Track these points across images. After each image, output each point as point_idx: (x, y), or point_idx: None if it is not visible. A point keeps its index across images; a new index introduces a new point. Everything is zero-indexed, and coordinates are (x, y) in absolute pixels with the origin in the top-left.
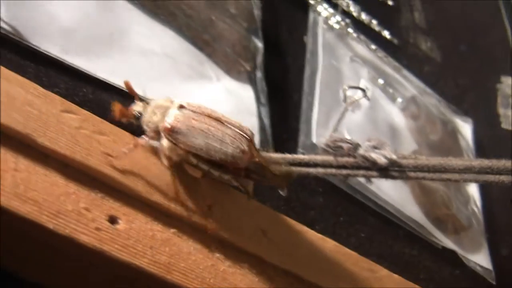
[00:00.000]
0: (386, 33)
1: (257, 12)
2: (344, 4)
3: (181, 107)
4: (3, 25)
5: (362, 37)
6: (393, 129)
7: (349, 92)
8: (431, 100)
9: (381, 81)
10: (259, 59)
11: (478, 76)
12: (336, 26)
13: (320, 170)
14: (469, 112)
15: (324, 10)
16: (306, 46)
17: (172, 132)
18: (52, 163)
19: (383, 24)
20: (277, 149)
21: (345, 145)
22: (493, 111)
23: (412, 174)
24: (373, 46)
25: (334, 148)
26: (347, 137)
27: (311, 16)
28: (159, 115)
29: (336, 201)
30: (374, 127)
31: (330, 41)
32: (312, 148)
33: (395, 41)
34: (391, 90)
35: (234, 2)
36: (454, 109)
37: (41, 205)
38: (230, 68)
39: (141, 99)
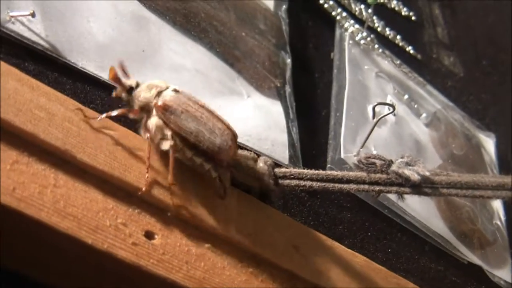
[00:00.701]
0: (409, 49)
1: (285, 28)
2: (369, 19)
3: (176, 91)
4: (43, 43)
5: (387, 52)
6: (418, 144)
7: (378, 108)
8: (455, 115)
9: (406, 96)
10: (288, 74)
11: (500, 91)
12: (362, 42)
13: (353, 186)
14: (492, 127)
15: (350, 26)
16: (333, 61)
17: (165, 111)
18: (90, 179)
19: (407, 39)
20: (306, 165)
21: (378, 162)
22: None
23: (444, 190)
24: (398, 61)
25: (367, 164)
26: (374, 152)
27: (338, 32)
28: (154, 92)
29: (364, 216)
30: (400, 142)
31: (356, 57)
32: (341, 163)
33: (419, 56)
34: (415, 105)
35: (263, 18)
36: (477, 124)
37: (80, 221)
38: (260, 84)
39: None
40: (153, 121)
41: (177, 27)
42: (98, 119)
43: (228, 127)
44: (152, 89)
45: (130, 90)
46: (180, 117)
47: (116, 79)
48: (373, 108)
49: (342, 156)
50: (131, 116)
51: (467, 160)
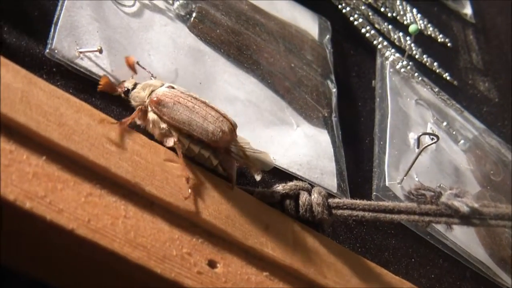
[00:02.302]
0: (446, 75)
1: (329, 57)
2: (409, 48)
3: (171, 87)
4: (109, 77)
5: (425, 80)
6: (457, 171)
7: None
8: (491, 141)
9: (444, 123)
10: (334, 103)
11: None
12: (402, 70)
13: (404, 216)
14: None
15: (391, 54)
16: (375, 90)
17: (158, 105)
18: (157, 210)
19: (444, 66)
20: (352, 192)
21: (427, 193)
22: None
23: (493, 222)
24: (436, 89)
25: (417, 196)
26: (416, 179)
27: (379, 60)
28: (147, 91)
29: (408, 243)
30: (440, 169)
31: (397, 85)
32: (385, 190)
33: (455, 82)
34: (454, 132)
35: (310, 48)
36: None
37: (149, 251)
38: (309, 114)
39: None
40: (150, 117)
41: (231, 60)
42: (117, 124)
43: (224, 116)
44: (146, 88)
45: (126, 92)
46: (172, 109)
47: (107, 88)
48: (418, 138)
49: (387, 183)
50: (136, 118)
51: (505, 186)
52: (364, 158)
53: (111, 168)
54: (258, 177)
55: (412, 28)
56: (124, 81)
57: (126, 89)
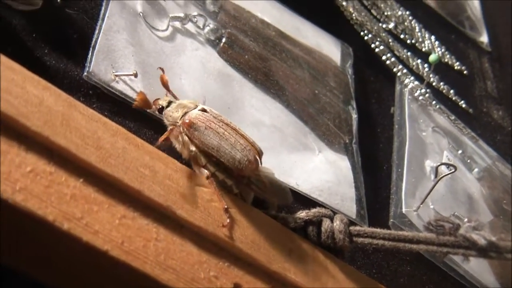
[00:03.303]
0: (462, 103)
1: (351, 83)
2: (427, 76)
3: (204, 110)
4: None
5: (442, 107)
6: (471, 199)
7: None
8: (505, 170)
9: (460, 151)
10: (354, 130)
11: None
12: (420, 98)
13: (423, 246)
14: None
15: (410, 82)
16: (394, 116)
17: (190, 128)
18: (187, 234)
19: (460, 93)
20: (370, 218)
21: (446, 225)
22: None
23: (509, 256)
24: (453, 117)
25: (436, 227)
26: (431, 206)
27: (398, 87)
28: (180, 112)
29: (422, 270)
30: (454, 197)
31: (415, 112)
32: (402, 217)
33: (470, 110)
34: (468, 160)
35: (333, 75)
36: None
37: (179, 273)
38: (331, 140)
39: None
40: (180, 137)
41: (258, 85)
42: (156, 145)
43: (252, 144)
44: (179, 109)
45: (160, 110)
46: (203, 133)
47: (143, 103)
48: (436, 168)
49: (404, 211)
50: (171, 136)
51: None
52: (382, 185)
53: (144, 191)
54: (272, 211)
55: (432, 57)
56: (158, 98)
57: (160, 106)
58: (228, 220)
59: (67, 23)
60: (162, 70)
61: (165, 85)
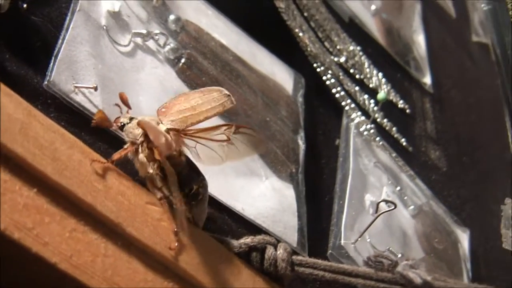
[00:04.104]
0: (403, 141)
1: (301, 113)
2: (373, 113)
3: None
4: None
5: (385, 144)
6: (405, 235)
7: (374, 198)
8: (438, 209)
9: (398, 188)
10: (301, 160)
11: (476, 187)
12: (365, 133)
13: (361, 281)
14: (468, 222)
15: (356, 117)
16: (339, 149)
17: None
18: (135, 251)
19: (401, 131)
20: (310, 248)
21: (385, 261)
22: (493, 226)
23: None
24: (394, 154)
25: (375, 262)
26: (368, 240)
27: (345, 121)
28: (141, 130)
29: None
30: (390, 233)
31: (359, 146)
32: (340, 249)
33: (410, 148)
34: (405, 198)
35: (285, 104)
36: (455, 219)
37: None
38: (278, 168)
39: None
40: (139, 156)
41: None
42: (105, 164)
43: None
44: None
45: (122, 127)
46: None
47: (102, 122)
48: (377, 205)
49: (342, 243)
50: (128, 153)
51: (446, 255)
52: (323, 215)
53: (96, 206)
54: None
55: (380, 95)
56: (119, 117)
57: (122, 124)
58: (176, 244)
59: (31, 30)
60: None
61: (124, 102)
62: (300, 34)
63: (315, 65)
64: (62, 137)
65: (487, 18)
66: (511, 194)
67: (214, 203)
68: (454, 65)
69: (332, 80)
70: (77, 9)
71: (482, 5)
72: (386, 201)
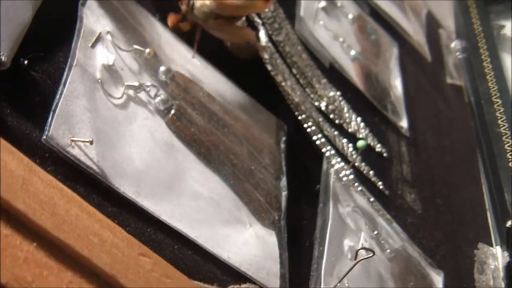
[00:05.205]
0: (380, 184)
1: (283, 160)
2: (349, 155)
3: None
4: (94, 167)
5: (363, 189)
6: (381, 279)
7: (352, 243)
8: (413, 252)
9: (375, 232)
10: (283, 206)
11: (450, 230)
12: (344, 179)
13: None
14: (442, 264)
15: (336, 163)
16: (319, 195)
17: None
18: None
19: (378, 175)
20: None
21: None
22: (467, 269)
23: None
24: (372, 199)
25: None
26: (346, 284)
27: (325, 167)
28: None
29: None
30: (367, 276)
31: (338, 192)
32: None
33: (387, 192)
34: (382, 241)
35: (268, 152)
36: (430, 262)
37: None
38: (262, 216)
39: None
40: None
41: (200, 158)
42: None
43: None
44: None
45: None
46: None
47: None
48: (356, 252)
49: None
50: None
51: None
52: (304, 260)
53: (92, 259)
54: None
55: (360, 143)
56: None
57: None
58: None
59: (31, 85)
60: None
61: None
62: (283, 83)
63: (296, 113)
64: (61, 192)
65: (461, 66)
66: (484, 237)
67: (201, 251)
68: (429, 107)
69: (313, 128)
70: (74, 64)
71: (457, 53)
72: (365, 249)
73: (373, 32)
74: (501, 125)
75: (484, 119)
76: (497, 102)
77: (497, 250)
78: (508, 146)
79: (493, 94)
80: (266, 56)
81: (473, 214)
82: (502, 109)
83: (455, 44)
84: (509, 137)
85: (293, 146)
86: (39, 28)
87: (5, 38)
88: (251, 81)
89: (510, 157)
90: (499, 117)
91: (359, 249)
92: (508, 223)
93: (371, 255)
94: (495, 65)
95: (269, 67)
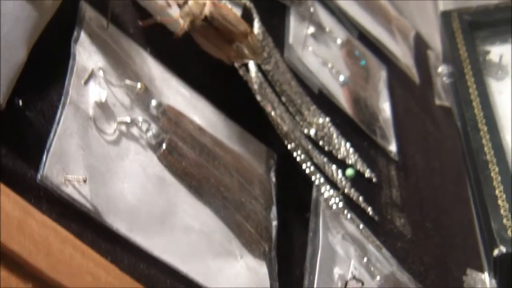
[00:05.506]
0: (369, 210)
1: (273, 190)
2: (338, 182)
3: None
4: (88, 205)
5: (352, 216)
6: None
7: (342, 272)
8: (403, 277)
9: (365, 259)
10: (274, 237)
11: (440, 253)
12: (334, 207)
13: None
14: None
15: (326, 191)
16: (309, 223)
17: None
18: None
19: (368, 200)
20: None
21: None
22: None
23: None
24: (361, 226)
25: None
26: None
27: (314, 195)
28: None
29: None
30: None
31: (328, 220)
32: None
33: (376, 217)
34: (372, 268)
35: (258, 183)
36: (420, 287)
37: None
38: (253, 247)
39: None
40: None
41: (191, 191)
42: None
43: None
44: None
45: None
46: None
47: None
48: (346, 282)
49: None
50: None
51: None
52: None
53: None
54: None
55: (349, 172)
56: None
57: None
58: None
59: (25, 125)
60: None
61: None
62: (272, 113)
63: (286, 142)
64: (55, 232)
65: (448, 90)
66: (474, 259)
67: (193, 285)
68: (418, 130)
69: (302, 156)
70: (67, 102)
71: (444, 78)
72: (355, 279)
73: (362, 57)
74: (487, 152)
75: (471, 146)
76: (483, 129)
77: (486, 276)
78: (494, 174)
79: (479, 121)
80: (255, 86)
81: (463, 236)
82: (488, 136)
83: (442, 69)
84: (495, 165)
85: (283, 175)
86: (33, 66)
87: (2, 81)
88: (241, 110)
89: (496, 185)
90: (485, 144)
91: (349, 280)
92: (495, 252)
93: (359, 286)
94: (481, 91)
95: (258, 98)
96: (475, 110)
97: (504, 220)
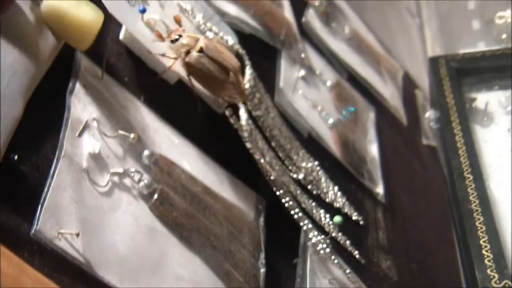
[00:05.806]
0: (356, 253)
1: (262, 237)
2: (326, 226)
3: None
4: (80, 258)
5: (339, 261)
6: None
7: None
8: None
9: None
10: (261, 284)
11: None
12: (322, 252)
13: None
14: None
15: (314, 236)
16: (297, 269)
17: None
18: None
19: (355, 243)
20: None
21: None
22: None
23: None
24: (348, 270)
25: None
26: None
27: (302, 241)
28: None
29: None
30: None
31: (315, 265)
32: None
33: (363, 261)
34: None
35: (247, 231)
36: None
37: None
38: None
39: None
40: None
41: (182, 241)
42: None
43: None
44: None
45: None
46: None
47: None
48: None
49: None
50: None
51: None
52: None
53: None
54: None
55: (336, 219)
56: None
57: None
58: None
59: (19, 179)
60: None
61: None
62: (262, 161)
63: (274, 188)
64: None
65: (436, 136)
66: None
67: None
68: (405, 170)
69: (291, 203)
70: (62, 155)
71: (431, 124)
72: None
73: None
74: (472, 201)
75: (457, 194)
76: (469, 177)
77: None
78: (479, 223)
79: (464, 170)
80: (245, 134)
81: (447, 276)
82: (473, 185)
83: (429, 114)
84: (480, 214)
85: (272, 221)
86: (28, 119)
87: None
88: (232, 157)
89: (481, 234)
90: (470, 193)
91: None
92: None
93: None
94: (467, 140)
95: (248, 145)
96: (461, 158)
97: (488, 271)
